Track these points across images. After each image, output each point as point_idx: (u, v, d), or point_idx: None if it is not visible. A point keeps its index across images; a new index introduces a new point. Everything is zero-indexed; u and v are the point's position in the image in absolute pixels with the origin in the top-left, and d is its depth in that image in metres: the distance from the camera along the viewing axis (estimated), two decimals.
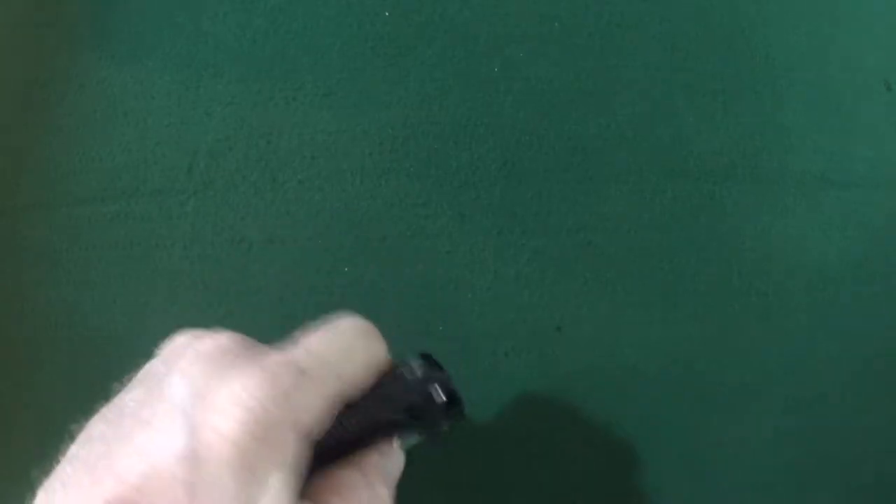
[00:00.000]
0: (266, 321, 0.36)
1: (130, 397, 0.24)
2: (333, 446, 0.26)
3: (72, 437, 0.24)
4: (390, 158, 0.38)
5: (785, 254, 0.38)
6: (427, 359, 0.29)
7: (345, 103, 0.38)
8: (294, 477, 0.22)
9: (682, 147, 0.38)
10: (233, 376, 0.22)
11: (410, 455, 0.37)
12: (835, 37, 0.40)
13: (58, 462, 0.24)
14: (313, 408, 0.23)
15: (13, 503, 0.38)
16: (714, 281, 0.38)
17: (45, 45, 0.39)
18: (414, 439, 0.29)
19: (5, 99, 0.39)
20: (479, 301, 0.37)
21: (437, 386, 0.28)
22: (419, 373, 0.28)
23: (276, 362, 0.23)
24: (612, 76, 0.39)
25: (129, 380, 0.25)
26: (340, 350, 0.25)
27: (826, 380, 0.38)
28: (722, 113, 0.39)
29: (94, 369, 0.37)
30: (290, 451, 0.22)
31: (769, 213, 0.38)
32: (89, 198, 0.38)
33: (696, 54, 0.39)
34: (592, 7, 0.39)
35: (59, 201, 0.38)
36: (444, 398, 0.28)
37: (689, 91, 0.39)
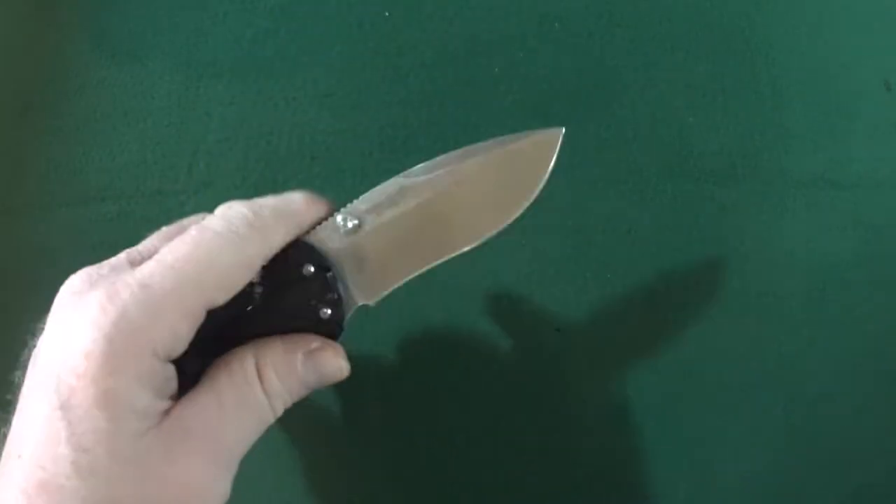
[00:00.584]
0: None
1: (24, 385, 0.25)
2: (228, 331, 0.26)
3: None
4: (390, 158, 0.38)
5: (785, 254, 0.38)
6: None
7: (345, 103, 0.38)
8: (159, 389, 0.23)
9: (682, 147, 0.38)
10: (78, 315, 0.23)
11: (407, 454, 0.37)
12: (835, 37, 0.40)
13: None
14: (165, 326, 0.23)
15: None
16: (714, 281, 0.38)
17: (45, 45, 0.39)
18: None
19: (5, 99, 0.39)
20: (479, 301, 0.37)
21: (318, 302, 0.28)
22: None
23: (119, 286, 0.23)
24: (612, 76, 0.39)
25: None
26: (199, 260, 0.24)
27: (826, 379, 0.38)
28: (722, 113, 0.39)
29: None
30: (149, 370, 0.23)
31: (769, 213, 0.38)
32: (89, 198, 0.38)
33: (696, 54, 0.39)
34: (592, 7, 0.39)
35: (59, 201, 0.38)
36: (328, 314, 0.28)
37: (689, 91, 0.39)
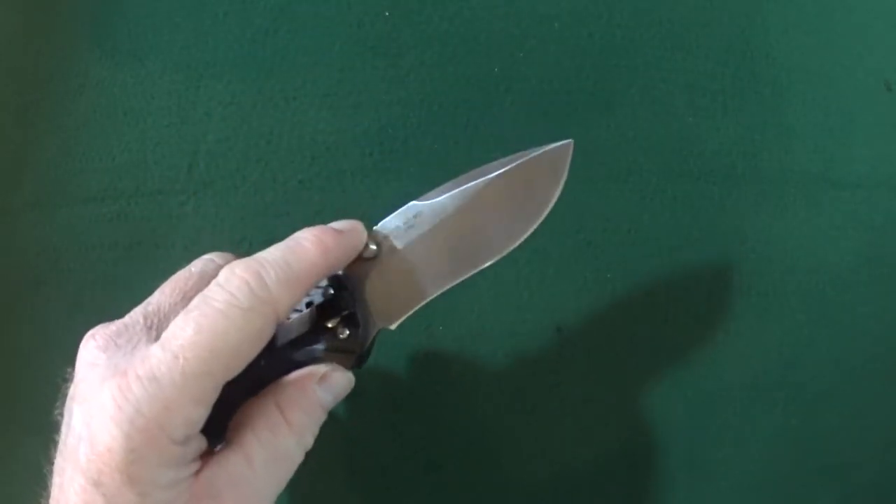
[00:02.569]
0: None
1: (61, 437, 0.26)
2: (249, 382, 0.27)
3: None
4: (390, 158, 0.38)
5: (785, 254, 0.38)
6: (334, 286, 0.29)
7: (345, 103, 0.38)
8: (182, 464, 0.24)
9: (682, 147, 0.38)
10: (97, 407, 0.24)
11: (406, 454, 0.37)
12: (835, 37, 0.40)
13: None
14: (178, 416, 0.24)
15: (12, 500, 0.38)
16: (714, 281, 0.38)
17: (45, 45, 0.39)
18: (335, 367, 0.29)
19: (6, 98, 0.39)
20: (479, 301, 0.37)
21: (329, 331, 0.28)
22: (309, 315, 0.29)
23: (130, 380, 0.24)
24: (612, 76, 0.39)
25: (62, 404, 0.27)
26: (203, 347, 0.24)
27: (826, 379, 0.38)
28: (722, 113, 0.39)
29: None
30: (168, 454, 0.24)
31: (769, 213, 0.38)
32: (89, 198, 0.38)
33: (696, 54, 0.39)
34: (592, 7, 0.39)
35: (59, 201, 0.38)
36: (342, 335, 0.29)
37: (689, 91, 0.39)
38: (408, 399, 0.37)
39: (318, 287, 0.29)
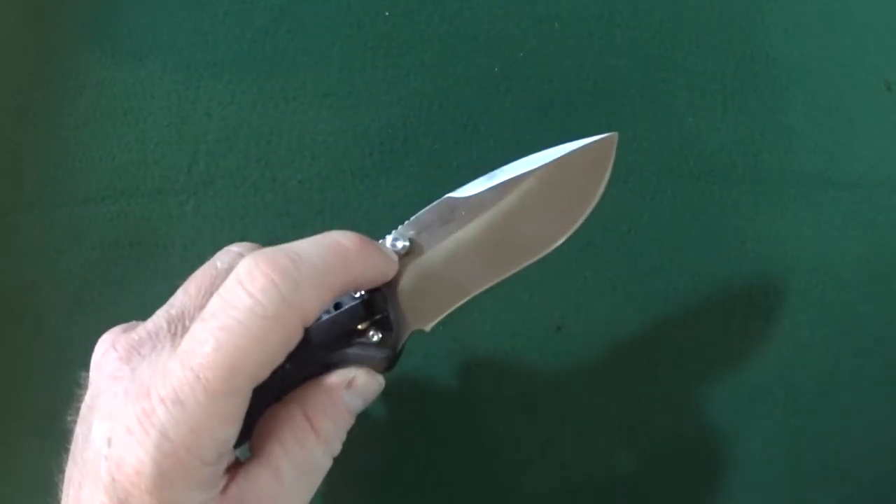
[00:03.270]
0: None
1: (74, 447, 0.25)
2: (274, 387, 0.25)
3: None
4: (390, 158, 0.38)
5: (785, 254, 0.38)
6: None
7: (345, 103, 0.38)
8: (213, 483, 0.23)
9: (682, 147, 0.38)
10: (120, 427, 0.23)
11: (406, 453, 0.37)
12: (835, 37, 0.40)
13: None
14: (206, 438, 0.22)
15: (13, 501, 0.38)
16: (714, 281, 0.38)
17: (45, 45, 0.39)
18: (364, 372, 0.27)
19: (5, 98, 0.39)
20: (479, 301, 0.37)
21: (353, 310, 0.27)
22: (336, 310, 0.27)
23: (154, 402, 0.22)
24: (612, 76, 0.39)
25: (76, 410, 0.26)
26: (225, 366, 0.22)
27: (826, 380, 0.38)
28: (722, 113, 0.39)
29: None
30: (200, 476, 0.23)
31: (769, 213, 0.38)
32: (89, 198, 0.38)
33: (696, 54, 0.39)
34: (592, 7, 0.39)
35: (59, 201, 0.38)
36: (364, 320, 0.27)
37: (689, 91, 0.39)
38: (407, 399, 0.37)
39: None
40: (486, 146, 0.38)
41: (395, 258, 0.27)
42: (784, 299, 0.38)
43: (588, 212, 0.28)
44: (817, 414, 0.38)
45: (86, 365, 0.37)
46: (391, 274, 0.27)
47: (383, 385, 0.28)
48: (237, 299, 0.22)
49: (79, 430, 0.25)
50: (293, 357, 0.24)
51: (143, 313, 0.37)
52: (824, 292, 0.38)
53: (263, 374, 0.23)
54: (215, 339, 0.22)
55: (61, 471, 0.25)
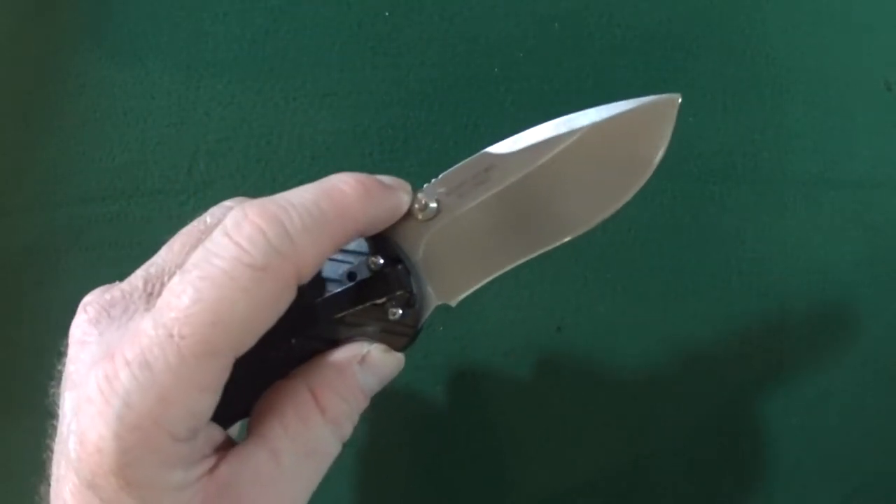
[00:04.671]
0: None
1: (58, 424, 0.22)
2: (278, 364, 0.23)
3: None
4: (390, 158, 0.38)
5: (785, 254, 0.38)
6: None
7: (345, 103, 0.38)
8: (191, 462, 0.20)
9: (682, 147, 0.38)
10: (85, 397, 0.20)
11: (406, 453, 0.37)
12: (835, 37, 0.40)
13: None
14: (178, 408, 0.19)
15: (13, 501, 0.38)
16: (714, 281, 0.38)
17: (45, 45, 0.39)
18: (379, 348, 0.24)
19: (5, 99, 0.39)
20: (479, 301, 0.37)
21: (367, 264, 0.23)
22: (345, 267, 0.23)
23: (118, 364, 0.19)
24: (612, 76, 0.39)
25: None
26: (204, 320, 0.19)
27: (826, 380, 0.38)
28: (722, 113, 0.39)
29: None
30: (172, 454, 0.20)
31: (769, 213, 0.38)
32: (89, 198, 0.38)
33: (696, 54, 0.39)
34: (592, 7, 0.39)
35: (59, 201, 0.38)
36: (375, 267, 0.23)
37: (689, 91, 0.39)
38: (407, 399, 0.37)
39: (362, 254, 0.24)
40: (486, 146, 0.38)
41: (405, 196, 0.23)
42: (784, 299, 0.38)
43: (641, 183, 0.24)
44: (817, 414, 0.38)
45: None
46: (400, 214, 0.23)
47: (402, 364, 0.24)
48: (222, 248, 0.20)
49: (60, 405, 0.22)
50: (300, 331, 0.22)
51: None
52: (824, 292, 0.38)
53: (248, 338, 0.20)
54: (195, 289, 0.19)
55: (49, 448, 0.23)
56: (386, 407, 0.37)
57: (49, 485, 0.22)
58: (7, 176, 0.39)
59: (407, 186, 0.24)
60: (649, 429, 0.37)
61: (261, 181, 0.38)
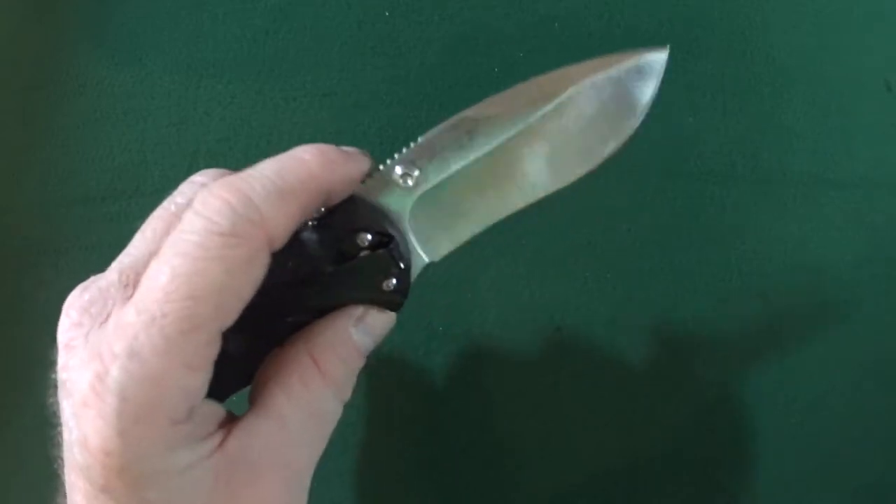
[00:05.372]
0: None
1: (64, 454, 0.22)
2: (275, 334, 0.23)
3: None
4: (390, 158, 0.38)
5: (785, 254, 0.38)
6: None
7: (345, 103, 0.38)
8: (195, 441, 0.21)
9: (682, 147, 0.38)
10: (80, 402, 0.20)
11: (406, 454, 0.37)
12: (835, 37, 0.40)
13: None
14: (172, 392, 0.20)
15: (14, 501, 0.38)
16: (714, 281, 0.38)
17: (45, 45, 0.39)
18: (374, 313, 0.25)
19: (5, 99, 0.39)
20: (479, 301, 0.37)
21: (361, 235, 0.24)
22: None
23: (107, 360, 0.19)
24: None
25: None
26: (182, 302, 0.19)
27: (826, 380, 0.38)
28: (722, 113, 0.39)
29: None
30: (175, 434, 0.20)
31: (769, 213, 0.38)
32: (89, 198, 0.38)
33: (696, 54, 0.39)
34: (592, 7, 0.39)
35: (59, 201, 0.38)
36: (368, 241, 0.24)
37: (689, 91, 0.39)
38: (406, 399, 0.37)
39: (359, 231, 0.24)
40: None
41: (365, 161, 0.25)
42: (784, 299, 0.38)
43: (623, 139, 0.25)
44: (817, 414, 0.38)
45: None
46: (360, 178, 0.24)
47: (394, 322, 0.25)
48: (192, 225, 0.20)
49: (59, 412, 0.22)
50: (295, 309, 0.23)
51: None
52: (824, 292, 0.38)
53: (229, 308, 0.20)
54: (170, 267, 0.19)
55: (59, 457, 0.23)
56: (385, 407, 0.37)
57: (65, 495, 0.22)
58: (7, 176, 0.39)
59: (367, 153, 0.25)
60: (649, 429, 0.37)
61: None
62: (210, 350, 0.20)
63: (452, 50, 0.38)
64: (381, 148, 0.38)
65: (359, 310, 0.24)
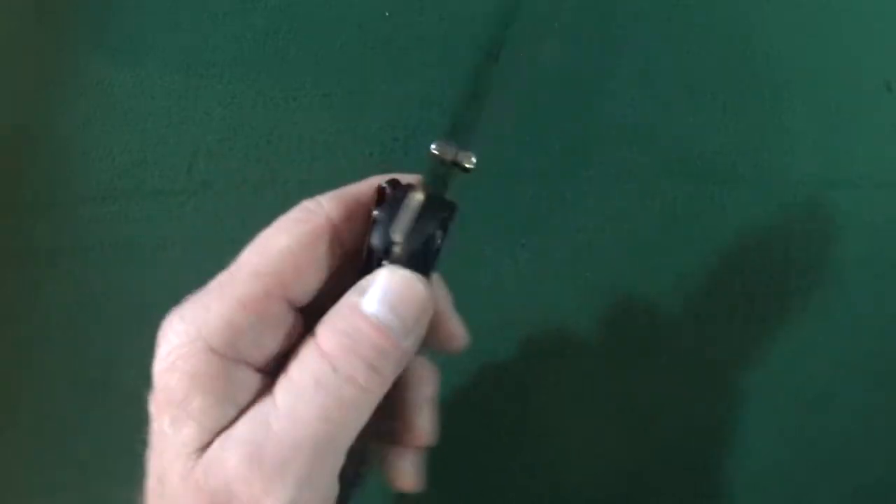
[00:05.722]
0: None
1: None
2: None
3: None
4: (390, 159, 0.38)
5: (785, 254, 0.38)
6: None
7: (345, 103, 0.38)
8: (232, 397, 0.21)
9: (682, 147, 0.38)
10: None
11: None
12: (835, 37, 0.40)
13: None
14: (228, 316, 0.21)
15: (14, 501, 0.38)
16: (714, 281, 0.38)
17: (45, 45, 0.39)
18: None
19: (6, 99, 0.39)
20: (480, 301, 0.37)
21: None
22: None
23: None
24: (612, 76, 0.39)
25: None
26: (262, 240, 0.23)
27: (827, 380, 0.38)
28: (722, 113, 0.39)
29: (94, 369, 0.37)
30: (214, 365, 0.21)
31: (769, 213, 0.38)
32: (89, 198, 0.38)
33: (696, 54, 0.39)
34: (592, 7, 0.39)
35: (59, 201, 0.38)
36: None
37: (689, 91, 0.39)
38: None
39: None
40: (486, 146, 0.38)
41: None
42: (784, 299, 0.38)
43: None
44: (817, 414, 0.38)
45: (87, 365, 0.37)
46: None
47: (421, 292, 0.22)
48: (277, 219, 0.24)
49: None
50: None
51: (143, 313, 0.37)
52: (824, 292, 0.38)
53: (290, 277, 0.22)
54: (255, 239, 0.23)
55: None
56: None
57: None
58: (7, 176, 0.39)
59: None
60: (649, 429, 0.37)
61: (261, 181, 0.38)
62: (266, 303, 0.22)
63: (452, 50, 0.38)
64: (381, 148, 0.38)
65: (367, 278, 0.22)
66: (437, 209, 0.24)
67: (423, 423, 0.28)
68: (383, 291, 0.22)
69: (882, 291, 0.39)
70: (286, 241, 0.23)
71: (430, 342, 0.25)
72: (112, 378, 0.36)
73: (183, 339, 0.21)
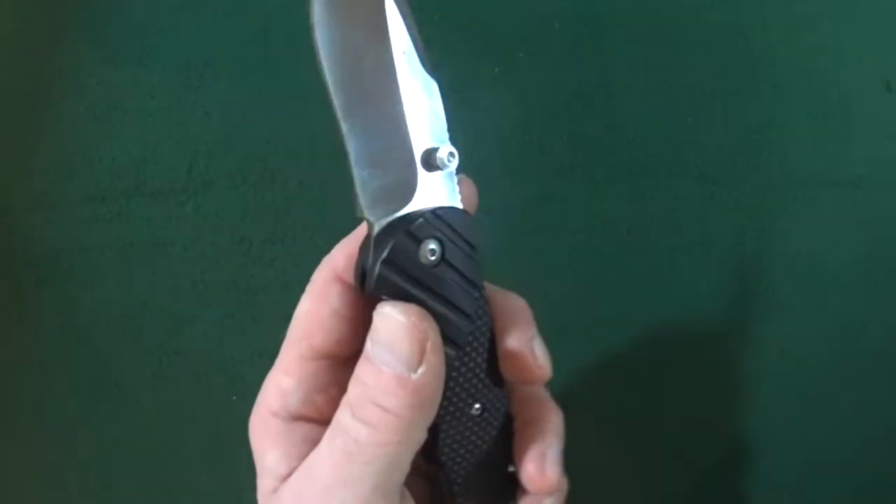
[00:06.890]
0: (266, 321, 0.36)
1: None
2: None
3: None
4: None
5: (785, 254, 0.38)
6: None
7: None
8: (291, 445, 0.24)
9: (682, 147, 0.38)
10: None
11: None
12: (835, 37, 0.40)
13: None
14: (274, 380, 0.24)
15: (14, 500, 0.38)
16: (714, 281, 0.38)
17: (45, 45, 0.39)
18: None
19: (6, 99, 0.39)
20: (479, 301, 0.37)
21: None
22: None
23: None
24: (612, 76, 0.39)
25: None
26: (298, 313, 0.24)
27: (826, 379, 0.38)
28: (722, 113, 0.39)
29: (94, 369, 0.37)
30: (272, 425, 0.24)
31: (769, 213, 0.38)
32: (89, 198, 0.38)
33: (696, 54, 0.39)
34: (592, 7, 0.39)
35: (59, 201, 0.38)
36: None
37: (689, 91, 0.39)
38: None
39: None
40: (486, 146, 0.38)
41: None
42: (784, 299, 0.38)
43: None
44: (818, 413, 0.38)
45: (87, 365, 0.37)
46: None
47: (398, 320, 0.22)
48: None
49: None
50: None
51: (143, 314, 0.37)
52: (824, 292, 0.38)
53: (317, 330, 0.24)
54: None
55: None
56: None
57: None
58: (7, 176, 0.39)
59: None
60: (649, 428, 0.37)
61: (261, 181, 0.38)
62: (301, 364, 0.24)
63: (452, 50, 0.38)
64: None
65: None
66: (399, 231, 0.23)
67: (548, 470, 0.28)
68: (373, 331, 0.22)
69: (882, 291, 0.39)
70: (307, 305, 0.24)
71: (508, 374, 0.27)
72: (112, 378, 0.36)
73: (256, 407, 0.24)
